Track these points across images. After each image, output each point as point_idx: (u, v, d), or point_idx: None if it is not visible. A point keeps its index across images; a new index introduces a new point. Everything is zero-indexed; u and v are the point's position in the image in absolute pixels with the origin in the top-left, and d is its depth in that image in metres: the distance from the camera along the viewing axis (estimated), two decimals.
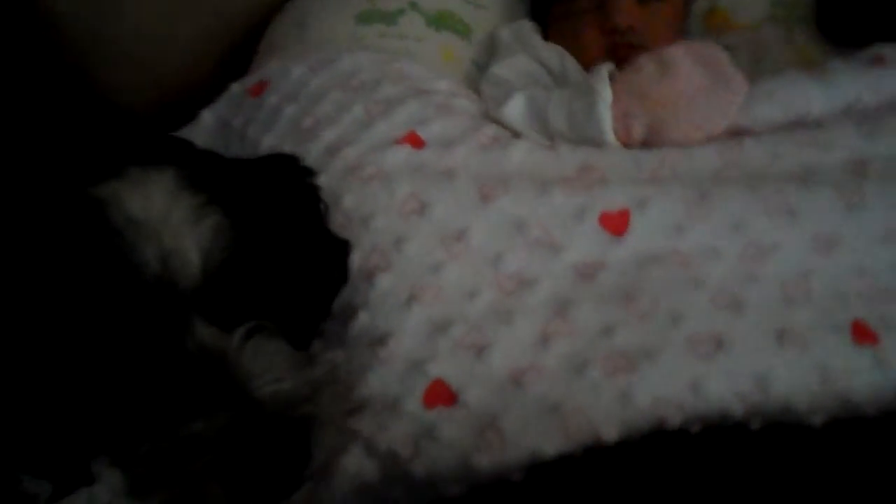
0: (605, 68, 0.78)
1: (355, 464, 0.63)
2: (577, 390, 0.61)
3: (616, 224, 0.67)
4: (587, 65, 0.89)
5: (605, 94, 0.75)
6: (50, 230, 0.48)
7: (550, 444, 0.60)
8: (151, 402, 0.47)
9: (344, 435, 0.59)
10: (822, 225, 0.67)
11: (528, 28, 0.93)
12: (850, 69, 0.78)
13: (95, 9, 0.86)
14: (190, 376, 0.47)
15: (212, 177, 0.52)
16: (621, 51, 0.87)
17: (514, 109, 0.79)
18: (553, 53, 0.89)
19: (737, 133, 0.76)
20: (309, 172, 0.62)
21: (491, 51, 0.94)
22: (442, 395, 0.63)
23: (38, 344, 0.47)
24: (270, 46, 0.92)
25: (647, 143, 0.76)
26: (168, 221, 0.48)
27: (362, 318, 0.65)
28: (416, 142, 0.73)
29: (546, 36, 0.95)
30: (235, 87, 0.85)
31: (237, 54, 0.98)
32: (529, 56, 0.89)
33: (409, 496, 0.63)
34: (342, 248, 0.65)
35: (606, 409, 0.60)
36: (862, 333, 0.63)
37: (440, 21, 0.92)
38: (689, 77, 0.74)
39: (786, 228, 0.67)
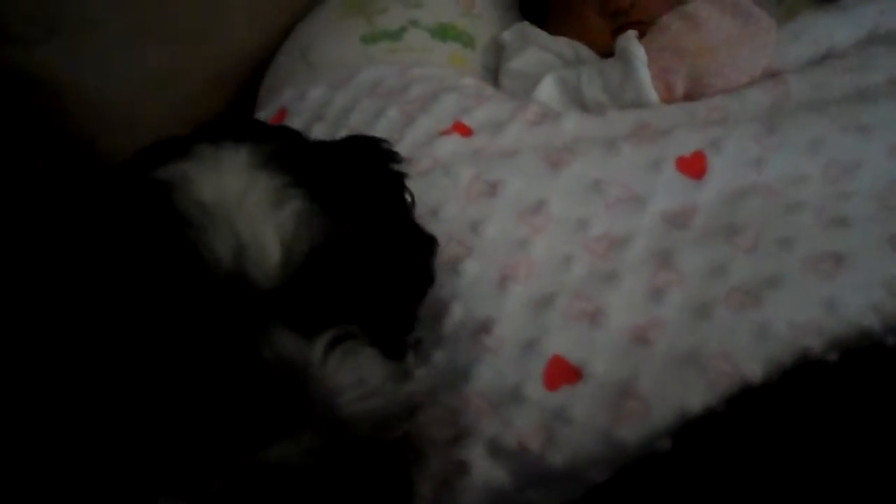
0: (632, 33, 0.78)
1: (483, 472, 0.56)
2: (709, 334, 0.56)
3: (694, 167, 0.64)
4: (596, 49, 0.89)
5: (640, 53, 0.74)
6: (105, 221, 0.41)
7: (695, 397, 0.54)
8: (221, 423, 0.39)
9: (451, 464, 0.49)
10: (893, 134, 0.66)
11: (529, 27, 0.93)
12: (860, 1, 0.80)
13: (91, 73, 0.82)
14: (266, 392, 0.38)
15: (292, 156, 0.45)
16: (627, 30, 0.87)
17: (546, 91, 0.78)
18: (563, 43, 0.89)
19: (773, 75, 0.76)
20: (393, 157, 0.54)
21: (498, 54, 0.94)
22: (564, 372, 0.57)
23: (91, 351, 0.40)
24: (276, 81, 0.88)
25: (688, 97, 0.75)
26: (243, 207, 0.40)
27: (456, 310, 0.59)
28: (463, 130, 0.70)
29: (547, 32, 0.95)
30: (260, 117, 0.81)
31: (239, 103, 0.95)
32: (541, 49, 0.88)
33: (548, 494, 0.56)
34: (429, 244, 0.58)
35: (745, 346, 0.55)
36: None
37: (444, 33, 0.92)
38: (718, 25, 0.74)
39: (862, 143, 0.65)
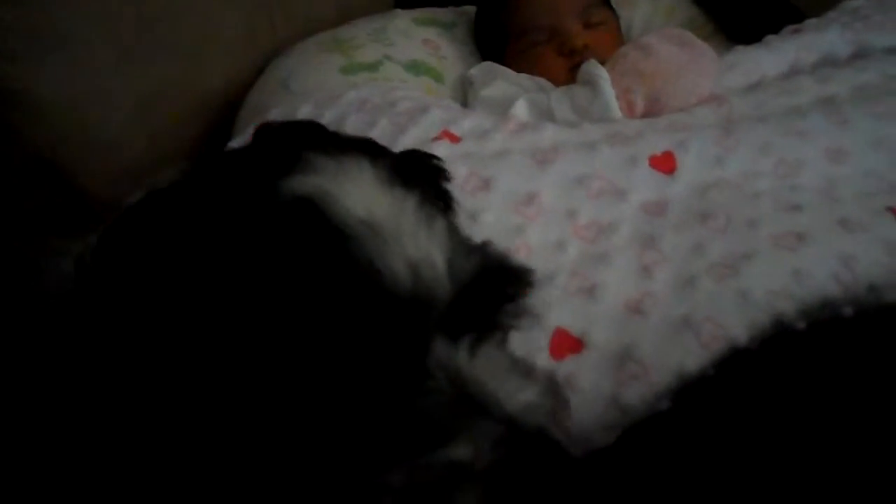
0: (594, 61, 0.86)
1: None
2: (697, 302, 0.61)
3: (665, 164, 0.72)
4: (555, 83, 0.98)
5: (605, 75, 0.82)
6: (258, 237, 0.38)
7: (691, 358, 0.59)
8: (392, 428, 0.38)
9: None
10: (827, 141, 0.75)
11: (494, 64, 1.01)
12: (782, 38, 0.93)
13: (72, 92, 0.82)
14: (433, 397, 0.38)
15: (406, 171, 0.44)
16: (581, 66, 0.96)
17: (519, 112, 0.85)
18: (525, 78, 0.97)
19: (716, 98, 0.85)
20: (446, 175, 0.53)
21: (465, 89, 1.01)
22: (567, 342, 0.60)
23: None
24: (258, 106, 0.91)
25: (645, 115, 0.83)
26: (401, 225, 0.39)
27: None
28: (451, 138, 0.75)
29: None
30: (236, 143, 0.83)
31: (213, 133, 0.97)
32: (507, 82, 0.96)
33: None
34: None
35: (730, 311, 0.61)
36: None
37: (415, 68, 0.98)
38: (668, 53, 0.84)
39: (802, 147, 0.74)
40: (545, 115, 0.84)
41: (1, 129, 0.80)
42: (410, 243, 0.39)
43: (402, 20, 1.08)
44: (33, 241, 0.51)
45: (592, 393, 0.58)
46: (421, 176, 0.47)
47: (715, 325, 0.60)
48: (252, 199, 0.39)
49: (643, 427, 0.59)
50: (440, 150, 0.73)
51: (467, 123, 0.77)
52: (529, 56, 1.01)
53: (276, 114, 0.82)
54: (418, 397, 0.38)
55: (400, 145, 0.74)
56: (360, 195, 0.39)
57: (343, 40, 1.00)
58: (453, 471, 0.37)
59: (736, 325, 0.60)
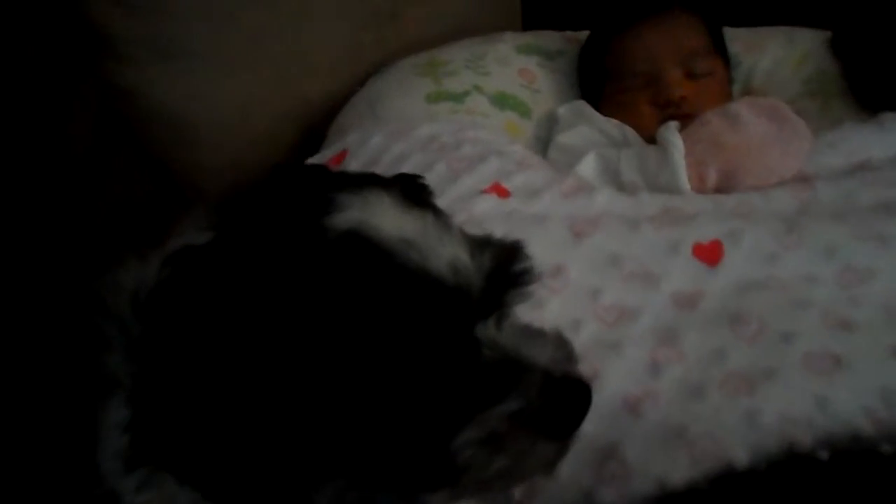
0: (674, 124, 0.82)
1: None
2: (699, 414, 0.59)
3: (710, 254, 0.68)
4: (643, 135, 0.94)
5: (679, 143, 0.79)
6: (327, 272, 0.45)
7: (677, 472, 0.57)
8: (459, 392, 0.46)
9: None
10: None
11: (585, 105, 0.99)
12: None
13: (184, 97, 0.92)
14: (480, 371, 0.47)
15: (411, 194, 0.51)
16: (675, 121, 0.92)
17: (587, 167, 0.83)
18: (612, 125, 0.95)
19: (803, 179, 0.79)
20: (427, 189, 0.59)
21: (551, 127, 1.00)
22: None
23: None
24: (342, 127, 0.97)
25: (718, 189, 0.79)
26: (429, 237, 0.47)
27: None
28: (501, 192, 0.76)
29: (600, 113, 1.00)
30: (314, 161, 0.89)
31: (308, 140, 1.03)
32: (591, 127, 0.94)
33: None
34: None
35: (733, 430, 0.58)
36: None
37: (502, 101, 0.99)
38: (756, 126, 0.78)
39: (879, 254, 0.68)
40: (612, 173, 0.82)
41: (117, 124, 0.91)
42: (441, 248, 0.47)
43: (505, 45, 1.08)
44: (113, 250, 0.58)
45: (569, 484, 0.58)
46: (419, 194, 0.55)
47: (712, 442, 0.57)
48: (306, 242, 0.47)
49: None
50: (486, 203, 0.75)
51: (520, 179, 0.77)
52: (623, 101, 0.98)
53: (351, 139, 0.87)
54: (473, 366, 0.47)
55: (451, 192, 0.76)
56: (390, 220, 0.47)
57: (438, 64, 1.02)
58: (514, 418, 0.46)
59: (736, 445, 0.57)
